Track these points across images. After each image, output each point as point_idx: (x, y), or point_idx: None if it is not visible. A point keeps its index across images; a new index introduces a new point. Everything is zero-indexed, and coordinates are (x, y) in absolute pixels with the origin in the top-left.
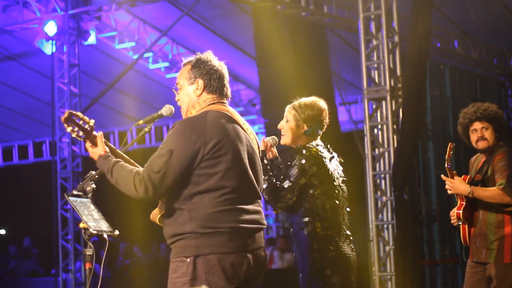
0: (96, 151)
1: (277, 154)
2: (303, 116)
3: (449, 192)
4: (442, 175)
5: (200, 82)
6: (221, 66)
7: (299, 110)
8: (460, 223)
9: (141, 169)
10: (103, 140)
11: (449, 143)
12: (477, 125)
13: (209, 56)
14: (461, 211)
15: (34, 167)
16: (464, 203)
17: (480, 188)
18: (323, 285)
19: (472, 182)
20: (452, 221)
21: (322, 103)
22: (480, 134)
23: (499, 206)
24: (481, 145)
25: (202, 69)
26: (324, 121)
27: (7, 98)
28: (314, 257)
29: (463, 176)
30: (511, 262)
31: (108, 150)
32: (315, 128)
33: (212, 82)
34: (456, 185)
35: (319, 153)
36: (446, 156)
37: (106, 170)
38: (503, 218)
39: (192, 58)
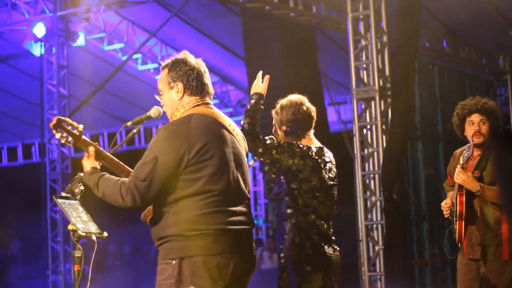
0: (86, 165)
1: None
2: (280, 117)
3: (456, 181)
4: (459, 167)
5: (180, 85)
6: (198, 64)
7: (278, 113)
8: (457, 219)
9: (126, 179)
10: (94, 153)
11: (472, 142)
12: (475, 117)
13: (185, 55)
14: (463, 208)
15: (23, 169)
16: (463, 199)
17: (488, 187)
18: (302, 280)
19: None
20: (445, 213)
21: (297, 98)
22: (477, 127)
23: (496, 203)
24: (477, 139)
25: (179, 72)
26: (303, 117)
27: None
28: (295, 251)
29: None
30: (509, 258)
31: (97, 166)
32: (293, 126)
33: (191, 82)
34: (469, 179)
35: (315, 158)
36: (469, 154)
37: (92, 185)
38: (501, 214)
39: (168, 61)
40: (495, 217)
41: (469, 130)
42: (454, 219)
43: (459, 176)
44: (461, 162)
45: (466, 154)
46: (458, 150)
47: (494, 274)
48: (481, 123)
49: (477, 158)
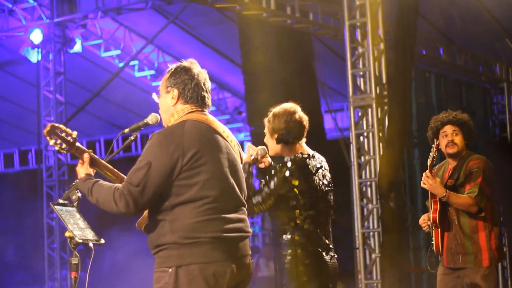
0: (80, 172)
1: (271, 162)
2: (272, 125)
3: (423, 186)
4: (426, 172)
5: (175, 92)
6: (200, 75)
7: (271, 121)
8: (433, 228)
9: (120, 185)
10: (89, 160)
11: (435, 140)
12: (448, 128)
13: (190, 64)
14: (437, 215)
15: (19, 176)
16: (438, 207)
17: (454, 194)
18: None
19: (444, 187)
20: (424, 228)
21: (290, 107)
22: (450, 138)
23: (468, 211)
24: (451, 149)
25: (178, 78)
26: (295, 125)
27: None
28: (292, 264)
29: None
30: (490, 265)
31: (91, 172)
32: (285, 134)
33: (187, 92)
34: (436, 184)
35: (306, 166)
36: (433, 153)
37: (86, 192)
38: (477, 223)
39: (174, 65)
40: (471, 225)
41: (443, 141)
42: (431, 229)
43: (426, 181)
44: (429, 163)
45: (430, 154)
46: (437, 167)
47: (476, 281)
48: (454, 134)
49: (451, 170)
